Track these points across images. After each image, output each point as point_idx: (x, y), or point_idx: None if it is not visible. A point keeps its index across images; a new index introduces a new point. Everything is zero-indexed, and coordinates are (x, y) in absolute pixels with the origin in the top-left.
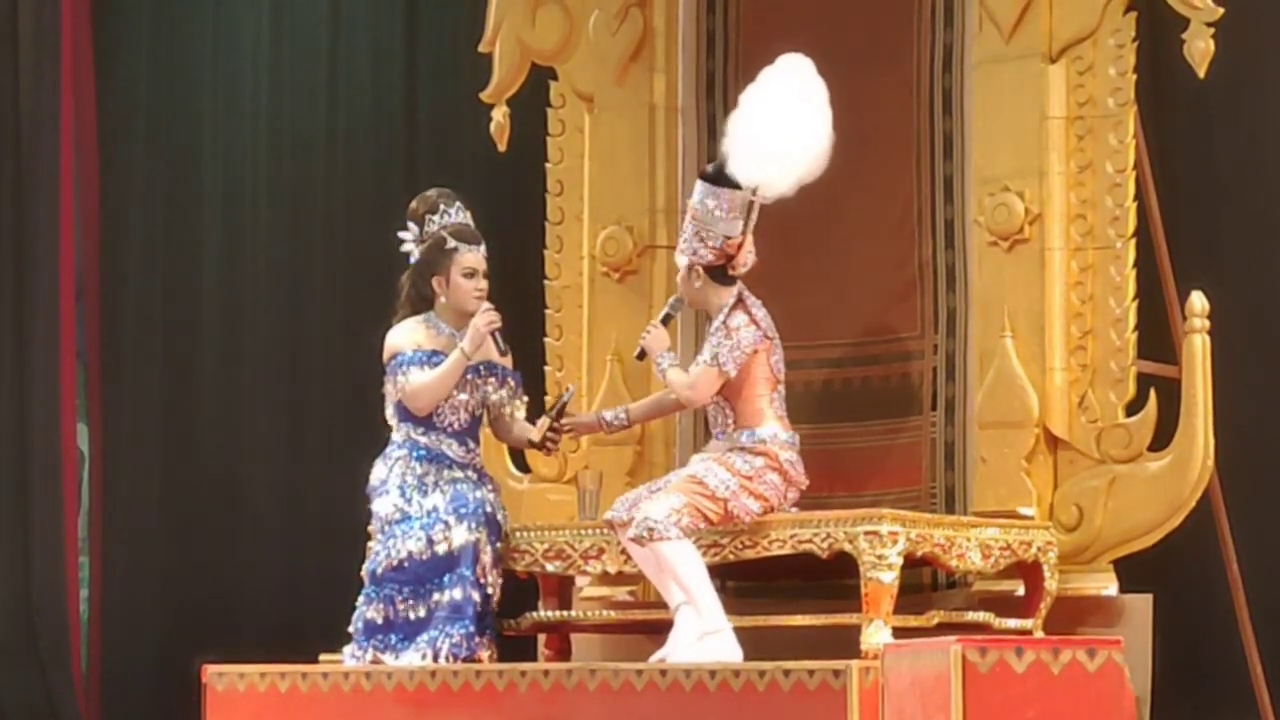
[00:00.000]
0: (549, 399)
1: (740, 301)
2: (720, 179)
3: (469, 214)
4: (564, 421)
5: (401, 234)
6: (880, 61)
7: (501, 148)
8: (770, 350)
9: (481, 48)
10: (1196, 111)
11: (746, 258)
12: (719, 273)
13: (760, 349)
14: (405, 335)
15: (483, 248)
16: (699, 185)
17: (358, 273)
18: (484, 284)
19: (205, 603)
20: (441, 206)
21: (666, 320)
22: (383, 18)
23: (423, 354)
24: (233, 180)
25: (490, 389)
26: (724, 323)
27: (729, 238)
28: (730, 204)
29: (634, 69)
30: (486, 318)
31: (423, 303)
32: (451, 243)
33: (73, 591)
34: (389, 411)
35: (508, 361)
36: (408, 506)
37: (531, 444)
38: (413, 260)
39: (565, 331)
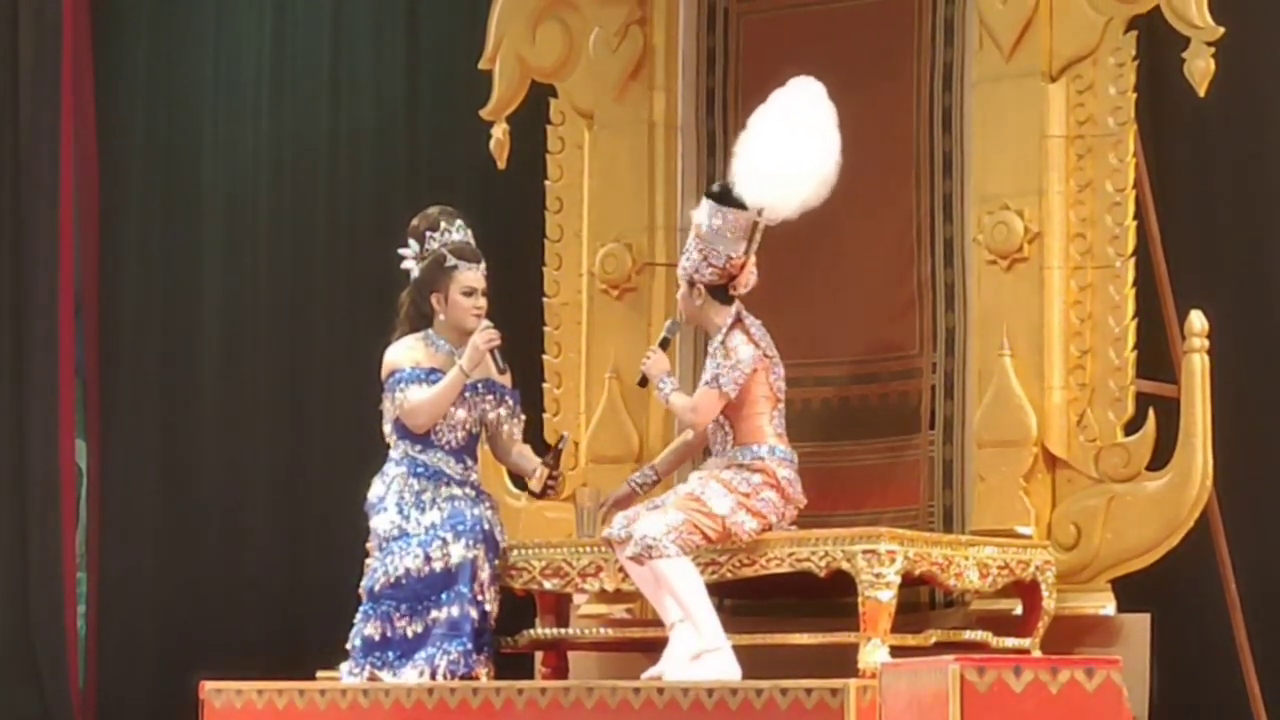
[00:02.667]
0: (546, 429)
1: (738, 321)
2: (726, 199)
3: (469, 232)
4: (603, 507)
5: (402, 250)
6: (880, 79)
7: (501, 165)
8: (769, 369)
9: (481, 65)
10: (1196, 131)
11: (748, 278)
12: (720, 292)
13: (759, 368)
14: (403, 353)
15: (482, 266)
16: (705, 203)
17: (358, 289)
18: (483, 302)
19: (203, 619)
20: (442, 224)
21: (665, 344)
22: (384, 35)
23: (421, 371)
24: (233, 197)
25: (488, 407)
26: (722, 343)
27: (732, 258)
28: (735, 224)
29: (634, 86)
30: (485, 335)
31: (421, 320)
32: (451, 260)
33: (70, 607)
34: (387, 429)
35: (506, 380)
36: (405, 524)
37: (531, 494)
38: (412, 277)
39: (564, 349)
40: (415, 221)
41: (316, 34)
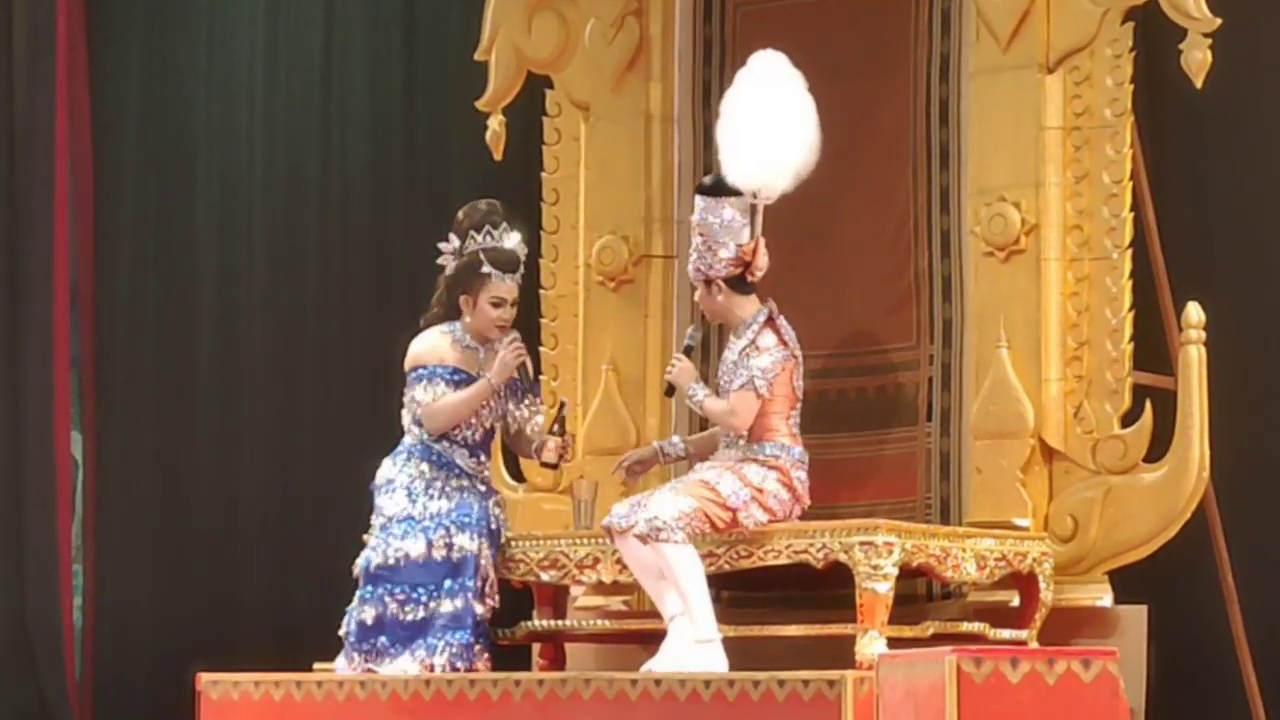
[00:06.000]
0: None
1: (770, 320)
2: (719, 189)
3: (517, 235)
4: (626, 461)
5: (441, 245)
6: (877, 71)
7: (497, 156)
8: (794, 369)
9: (478, 56)
10: (1193, 122)
11: (762, 261)
12: (738, 282)
13: (787, 367)
14: (429, 349)
15: (517, 275)
16: (699, 200)
17: (353, 281)
18: (510, 314)
19: (200, 611)
20: (487, 226)
21: (689, 351)
22: (380, 25)
23: (445, 370)
24: (227, 189)
25: (511, 405)
26: (754, 343)
27: (741, 245)
28: (733, 212)
29: (630, 78)
30: (513, 350)
31: (454, 310)
32: (486, 267)
33: (67, 599)
34: (406, 419)
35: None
36: (412, 508)
37: (546, 464)
38: (447, 272)
39: (561, 340)
40: (461, 215)
41: (311, 25)
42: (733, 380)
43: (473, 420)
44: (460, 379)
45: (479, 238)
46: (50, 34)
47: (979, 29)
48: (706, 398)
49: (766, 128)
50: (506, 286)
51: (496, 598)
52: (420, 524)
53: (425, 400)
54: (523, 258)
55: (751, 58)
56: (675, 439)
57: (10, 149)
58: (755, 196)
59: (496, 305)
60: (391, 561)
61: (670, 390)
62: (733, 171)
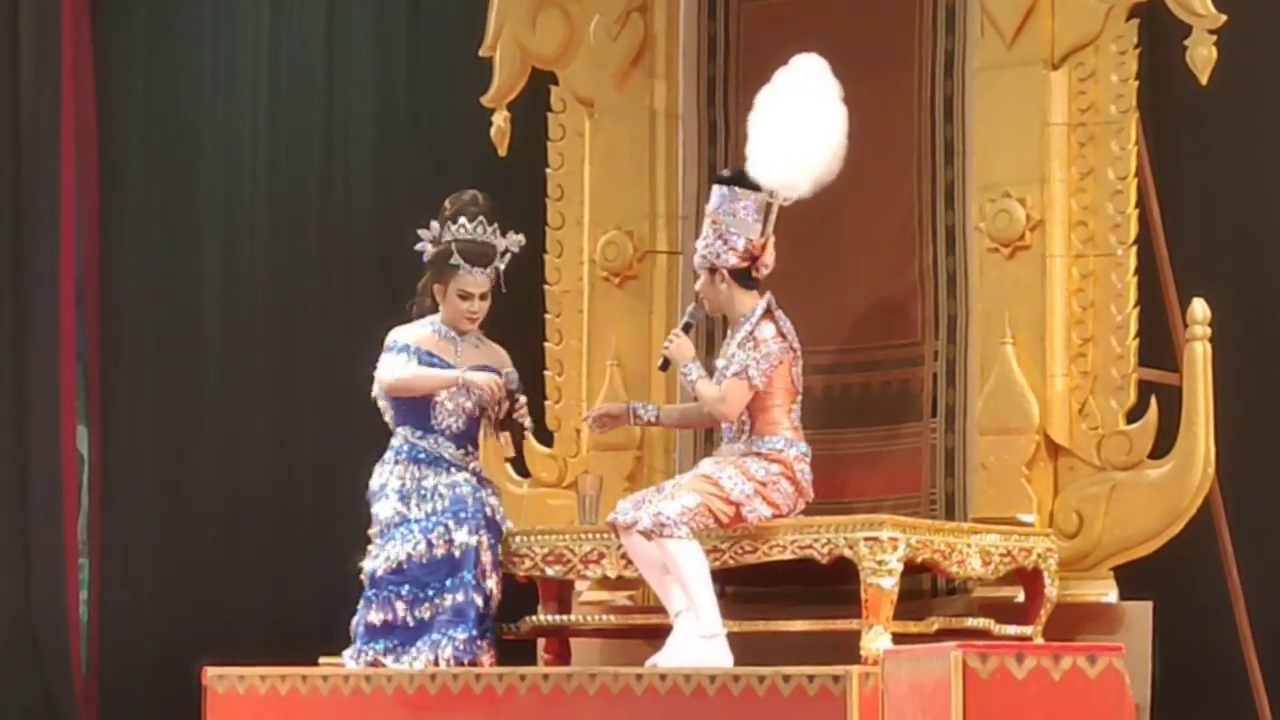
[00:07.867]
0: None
1: (769, 313)
2: (738, 181)
3: (495, 227)
4: (594, 411)
5: (421, 231)
6: (881, 67)
7: (502, 152)
8: (793, 362)
9: (482, 52)
10: (1198, 119)
11: (769, 259)
12: (743, 276)
13: (785, 360)
14: (408, 331)
15: (490, 269)
16: (716, 189)
17: (356, 277)
18: (479, 307)
19: (205, 605)
20: (463, 218)
21: (688, 329)
22: (385, 21)
23: (421, 351)
24: (231, 184)
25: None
26: (752, 334)
27: (751, 240)
28: (749, 206)
29: (634, 74)
30: (503, 390)
31: (435, 304)
32: (456, 259)
33: (72, 594)
34: (382, 404)
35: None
36: (407, 510)
37: (509, 459)
38: (424, 259)
39: (565, 336)
40: (447, 202)
41: (315, 23)
42: (728, 369)
43: (453, 408)
44: (434, 363)
45: (454, 227)
46: (55, 32)
47: (983, 25)
48: (700, 379)
49: (798, 131)
50: (474, 280)
51: (498, 590)
52: (417, 524)
53: (388, 362)
54: (504, 251)
55: (794, 59)
56: (650, 405)
57: (16, 147)
58: (773, 196)
59: (464, 298)
60: (394, 565)
61: (665, 365)
62: (756, 167)
